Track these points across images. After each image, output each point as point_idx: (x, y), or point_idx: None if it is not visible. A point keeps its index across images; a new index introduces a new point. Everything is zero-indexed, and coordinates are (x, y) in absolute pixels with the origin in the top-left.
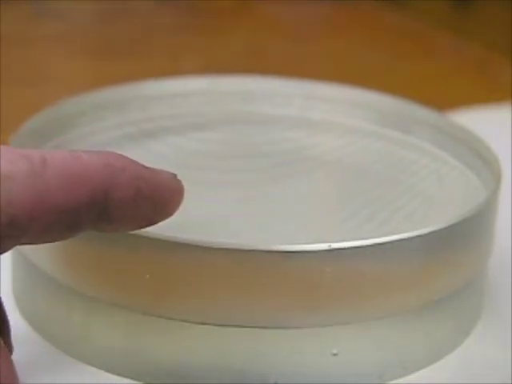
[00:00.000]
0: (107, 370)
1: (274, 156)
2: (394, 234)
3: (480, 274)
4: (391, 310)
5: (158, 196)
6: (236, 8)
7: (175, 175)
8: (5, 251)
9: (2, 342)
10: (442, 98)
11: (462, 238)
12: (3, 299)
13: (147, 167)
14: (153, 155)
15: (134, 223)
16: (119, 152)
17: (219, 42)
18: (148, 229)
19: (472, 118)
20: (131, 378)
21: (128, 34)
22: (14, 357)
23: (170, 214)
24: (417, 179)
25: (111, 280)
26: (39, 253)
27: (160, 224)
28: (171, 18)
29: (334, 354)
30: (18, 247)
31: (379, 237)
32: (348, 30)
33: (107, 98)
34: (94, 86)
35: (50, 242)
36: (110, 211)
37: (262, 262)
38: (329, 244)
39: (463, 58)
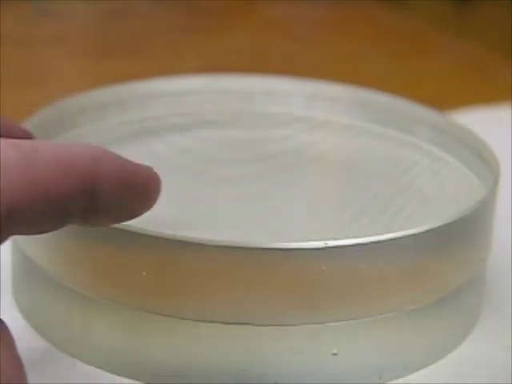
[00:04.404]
0: (107, 370)
1: (274, 154)
2: (388, 233)
3: (479, 274)
4: (389, 309)
5: (139, 186)
6: (236, 8)
7: (152, 167)
8: (2, 242)
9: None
10: (442, 98)
11: (460, 235)
12: (3, 299)
13: (126, 159)
14: (152, 154)
15: (118, 215)
16: (119, 151)
17: (219, 41)
18: (148, 225)
19: (472, 118)
20: (131, 378)
21: (128, 34)
22: None
23: (151, 206)
24: (416, 178)
25: (110, 278)
26: (39, 252)
27: (158, 221)
28: (171, 17)
29: (334, 354)
30: (19, 247)
31: (376, 235)
32: (348, 29)
33: (107, 97)
34: (95, 86)
35: (43, 233)
36: (97, 202)
37: (259, 260)
38: (325, 242)
39: (463, 58)
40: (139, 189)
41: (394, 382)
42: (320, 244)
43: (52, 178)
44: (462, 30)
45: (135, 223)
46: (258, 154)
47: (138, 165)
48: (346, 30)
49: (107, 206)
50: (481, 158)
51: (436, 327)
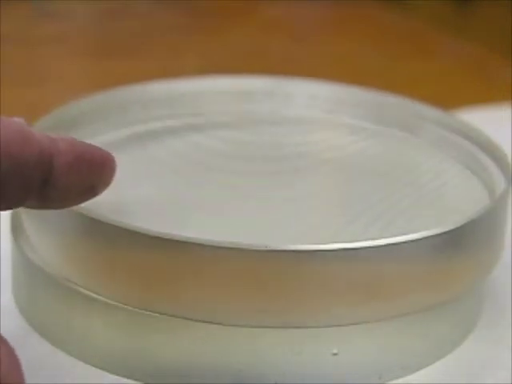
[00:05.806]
0: (107, 370)
1: (276, 156)
2: (397, 236)
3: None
4: (392, 313)
5: (95, 161)
6: (236, 8)
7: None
8: None
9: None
10: (442, 98)
11: (471, 239)
12: (3, 299)
13: (80, 140)
14: (153, 157)
15: (78, 191)
16: (123, 153)
17: (219, 41)
18: (149, 225)
19: (472, 118)
20: (131, 378)
21: (128, 34)
22: None
23: (109, 183)
24: (421, 180)
25: (110, 277)
26: (39, 252)
27: (159, 221)
28: (171, 17)
29: (334, 354)
30: (19, 247)
31: (381, 238)
32: (348, 29)
33: (111, 100)
34: (95, 86)
35: (5, 207)
36: (55, 176)
37: (261, 262)
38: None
39: (463, 58)
40: (95, 164)
41: (394, 381)
42: (327, 247)
43: (14, 143)
44: (462, 30)
45: (138, 223)
46: (259, 155)
47: (91, 144)
48: (345, 30)
49: (66, 181)
50: (488, 158)
51: (436, 327)
